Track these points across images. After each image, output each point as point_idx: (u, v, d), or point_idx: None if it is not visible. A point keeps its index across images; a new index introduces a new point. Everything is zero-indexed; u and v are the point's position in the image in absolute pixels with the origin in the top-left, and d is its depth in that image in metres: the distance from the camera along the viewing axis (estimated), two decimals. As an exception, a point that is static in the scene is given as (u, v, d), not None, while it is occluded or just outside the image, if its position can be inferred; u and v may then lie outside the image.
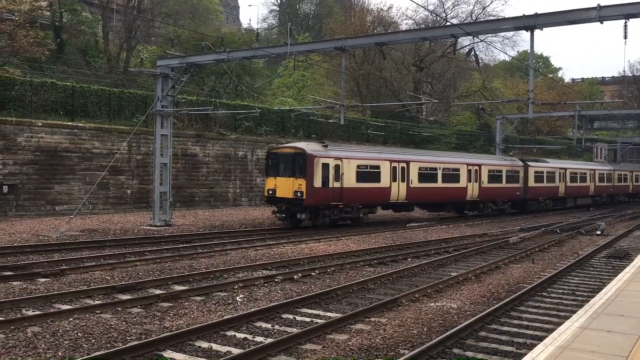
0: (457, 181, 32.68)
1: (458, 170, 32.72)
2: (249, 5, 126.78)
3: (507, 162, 38.27)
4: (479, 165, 34.36)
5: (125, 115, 34.48)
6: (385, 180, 27.80)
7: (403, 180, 28.62)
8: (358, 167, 26.21)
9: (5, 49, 34.85)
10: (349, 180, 26.03)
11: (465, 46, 47.77)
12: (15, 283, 13.10)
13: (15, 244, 19.07)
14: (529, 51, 21.33)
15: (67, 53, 45.94)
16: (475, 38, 22.71)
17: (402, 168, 28.57)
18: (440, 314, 11.18)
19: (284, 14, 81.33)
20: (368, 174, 26.80)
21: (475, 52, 22.79)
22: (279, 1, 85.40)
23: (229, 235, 23.11)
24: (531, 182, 38.32)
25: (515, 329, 10.20)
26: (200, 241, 20.98)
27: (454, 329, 9.58)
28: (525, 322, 10.69)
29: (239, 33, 60.91)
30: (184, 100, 35.09)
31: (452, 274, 15.42)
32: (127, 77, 43.80)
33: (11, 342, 8.65)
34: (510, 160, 39.15)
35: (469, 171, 33.42)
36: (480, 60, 28.23)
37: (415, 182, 29.41)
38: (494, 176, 35.74)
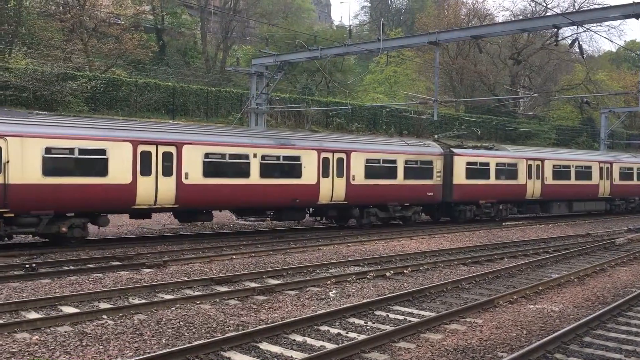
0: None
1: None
2: (341, 2, 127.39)
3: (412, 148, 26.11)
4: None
5: (222, 113, 35.70)
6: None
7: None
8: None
9: (113, 51, 37.01)
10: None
11: (566, 37, 45.58)
12: (122, 273, 13.91)
13: (122, 236, 20.25)
14: (637, 40, 19.95)
15: (168, 54, 48.20)
16: (579, 28, 21.57)
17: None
18: (540, 316, 10.71)
19: (376, 10, 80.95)
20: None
21: (579, 43, 21.63)
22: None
23: (321, 231, 23.34)
24: (460, 178, 26.46)
25: (624, 336, 9.58)
26: (293, 236, 21.34)
27: (556, 333, 9.13)
28: (634, 329, 10.02)
29: (330, 30, 61.33)
30: (277, 98, 35.83)
31: (553, 275, 14.73)
32: (223, 76, 45.32)
33: (120, 329, 9.17)
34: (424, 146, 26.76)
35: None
36: (584, 51, 26.76)
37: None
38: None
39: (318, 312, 10.29)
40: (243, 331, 8.96)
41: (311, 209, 23.09)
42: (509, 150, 29.71)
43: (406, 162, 24.25)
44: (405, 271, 14.99)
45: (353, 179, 22.34)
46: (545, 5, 50.95)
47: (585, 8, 51.32)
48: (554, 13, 26.56)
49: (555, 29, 21.42)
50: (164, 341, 8.62)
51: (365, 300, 11.31)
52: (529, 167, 29.28)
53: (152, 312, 10.21)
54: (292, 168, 20.92)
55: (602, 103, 52.46)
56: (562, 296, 12.53)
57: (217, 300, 11.29)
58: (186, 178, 18.19)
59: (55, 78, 28.99)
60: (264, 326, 9.26)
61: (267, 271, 14.19)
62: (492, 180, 27.49)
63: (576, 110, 59.75)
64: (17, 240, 18.35)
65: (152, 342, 8.55)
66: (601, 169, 33.25)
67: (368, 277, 14.09)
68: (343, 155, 22.19)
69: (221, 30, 50.40)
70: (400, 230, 23.87)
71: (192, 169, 18.44)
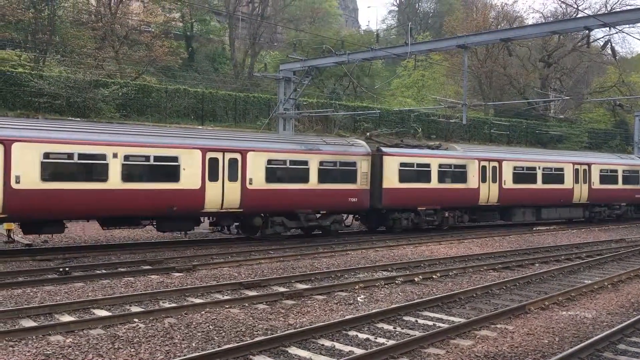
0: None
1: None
2: (368, 7, 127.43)
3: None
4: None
5: (250, 118, 35.96)
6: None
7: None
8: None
9: (144, 58, 37.62)
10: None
11: (598, 38, 44.82)
12: (153, 276, 14.09)
13: (152, 240, 20.52)
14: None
15: (197, 61, 48.80)
16: (611, 29, 21.18)
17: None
18: (573, 323, 10.52)
19: (403, 14, 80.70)
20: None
21: (611, 45, 21.24)
22: (398, 1, 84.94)
23: (349, 236, 23.30)
24: (392, 181, 23.12)
25: (660, 344, 9.35)
26: (321, 241, 21.35)
27: (590, 340, 8.96)
28: (671, 337, 9.77)
29: (358, 35, 61.34)
30: (304, 103, 35.96)
31: (586, 281, 14.46)
32: (251, 81, 45.69)
33: (150, 332, 9.29)
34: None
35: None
36: (616, 53, 26.26)
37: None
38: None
39: (346, 317, 10.28)
40: (272, 335, 9.00)
41: (213, 218, 20.59)
42: (458, 150, 26.33)
43: (321, 163, 21.11)
44: (434, 276, 14.88)
45: (250, 183, 19.47)
46: (576, 6, 50.19)
47: (618, 9, 50.41)
48: (585, 14, 26.16)
49: (587, 31, 21.08)
50: (193, 345, 8.71)
51: (393, 306, 11.26)
52: (483, 168, 25.84)
53: (182, 316, 10.32)
54: (166, 170, 18.09)
55: (635, 106, 51.34)
56: (595, 302, 12.29)
57: (246, 304, 11.35)
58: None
59: (88, 85, 29.58)
60: (293, 331, 9.28)
61: (296, 276, 14.23)
62: (434, 183, 24.16)
63: (609, 113, 58.63)
64: (50, 245, 18.74)
65: (182, 346, 8.64)
66: (576, 171, 29.68)
67: (396, 282, 14.02)
68: (237, 156, 19.28)
69: (249, 36, 50.83)
70: (429, 235, 23.70)
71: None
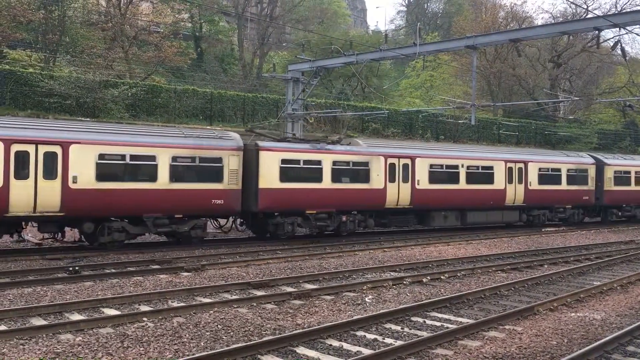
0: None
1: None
2: (377, 8, 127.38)
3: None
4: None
5: (258, 118, 36.00)
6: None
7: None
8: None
9: (153, 59, 37.77)
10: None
11: (608, 39, 44.54)
12: (162, 276, 14.16)
13: (161, 240, 20.60)
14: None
15: (206, 61, 48.92)
16: (621, 30, 21.07)
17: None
18: (582, 325, 10.48)
19: (412, 14, 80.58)
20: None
21: (621, 45, 21.13)
22: (406, 1, 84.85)
23: (357, 236, 23.30)
24: (270, 181, 20.16)
25: (670, 346, 9.30)
26: (329, 241, 21.37)
27: (599, 342, 8.93)
28: (681, 339, 9.72)
29: (366, 35, 61.32)
30: (313, 103, 35.97)
31: (595, 283, 14.40)
32: (260, 82, 45.76)
33: (159, 331, 9.34)
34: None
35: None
36: (626, 54, 26.11)
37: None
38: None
39: (354, 318, 10.29)
40: (280, 335, 9.03)
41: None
42: (361, 145, 23.12)
43: (174, 159, 18.24)
44: (442, 277, 14.86)
45: (75, 182, 16.51)
46: (585, 7, 49.93)
47: (628, 9, 50.09)
48: (595, 15, 26.01)
49: (597, 31, 20.96)
50: (202, 344, 8.75)
51: (401, 306, 11.26)
52: (391, 166, 22.80)
53: (190, 315, 10.37)
54: None
55: (646, 106, 51.01)
56: (604, 304, 12.24)
57: (254, 304, 11.39)
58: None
59: (97, 85, 29.72)
60: (301, 331, 9.31)
61: (304, 276, 14.26)
62: (327, 183, 21.18)
63: (618, 113, 58.23)
64: (60, 244, 18.85)
65: (191, 345, 8.69)
66: (510, 169, 26.71)
67: (404, 282, 14.02)
68: (56, 149, 16.40)
69: (258, 37, 50.92)
70: (438, 236, 23.66)
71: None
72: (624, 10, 47.27)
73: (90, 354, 8.14)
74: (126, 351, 8.31)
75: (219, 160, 19.15)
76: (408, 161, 23.44)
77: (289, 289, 12.88)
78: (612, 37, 49.04)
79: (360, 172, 22.19)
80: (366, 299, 12.19)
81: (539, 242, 22.81)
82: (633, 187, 32.13)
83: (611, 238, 24.87)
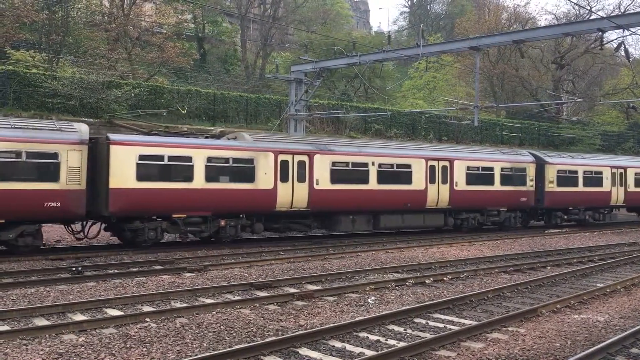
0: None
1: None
2: (380, 9, 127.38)
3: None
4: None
5: (261, 119, 36.04)
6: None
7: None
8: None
9: (156, 60, 37.83)
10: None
11: (612, 40, 44.50)
12: (164, 277, 14.17)
13: (164, 240, 20.62)
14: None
15: (209, 62, 48.99)
16: (624, 31, 21.04)
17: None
18: (585, 326, 10.45)
19: (415, 15, 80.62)
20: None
21: (625, 47, 21.10)
22: (409, 3, 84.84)
23: (359, 237, 23.29)
24: (125, 180, 17.64)
25: (674, 348, 9.27)
26: (332, 242, 21.36)
27: (602, 344, 8.91)
28: (685, 342, 9.68)
29: (369, 36, 61.34)
30: (316, 104, 35.98)
31: (598, 284, 14.36)
32: (263, 83, 45.81)
33: (162, 332, 9.34)
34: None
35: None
36: (630, 55, 26.05)
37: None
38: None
39: (357, 319, 10.28)
40: (282, 336, 9.03)
41: None
42: (246, 139, 20.53)
43: None
44: (445, 278, 14.84)
45: None
46: (589, 8, 49.87)
47: (632, 11, 50.01)
48: (599, 16, 25.97)
49: (600, 33, 20.95)
50: (205, 345, 8.75)
51: (404, 308, 11.24)
52: (283, 164, 20.26)
53: (193, 316, 10.37)
54: None
55: (649, 108, 50.92)
56: (607, 306, 12.20)
57: (257, 305, 11.39)
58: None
59: (101, 86, 29.79)
60: (304, 332, 9.30)
61: (306, 277, 14.25)
62: (200, 183, 18.68)
63: (622, 115, 58.18)
64: (64, 244, 18.89)
65: (194, 346, 8.68)
66: (432, 168, 24.02)
67: (407, 284, 14.00)
68: None
69: (261, 37, 50.96)
70: (440, 237, 23.64)
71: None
72: (627, 12, 47.21)
73: (93, 355, 8.14)
74: (129, 352, 8.31)
75: (54, 155, 16.43)
76: (305, 158, 20.76)
77: (292, 290, 12.88)
78: (616, 39, 49.05)
79: (244, 170, 19.53)
80: (369, 300, 12.17)
81: (542, 244, 22.77)
82: (581, 188, 29.32)
83: (615, 240, 24.81)
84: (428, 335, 9.46)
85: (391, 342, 9.20)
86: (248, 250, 18.66)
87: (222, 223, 19.30)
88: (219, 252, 18.08)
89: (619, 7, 54.10)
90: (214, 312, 10.66)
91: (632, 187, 31.85)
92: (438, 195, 24.18)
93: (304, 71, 28.05)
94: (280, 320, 10.37)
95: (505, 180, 26.41)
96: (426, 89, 55.45)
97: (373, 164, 22.33)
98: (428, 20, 77.57)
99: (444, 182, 24.37)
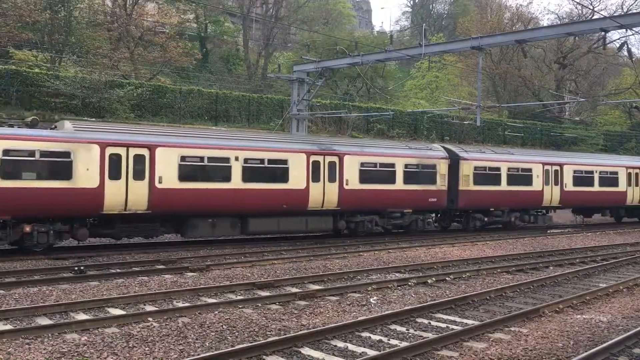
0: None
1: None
2: (382, 8, 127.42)
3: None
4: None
5: (263, 119, 36.03)
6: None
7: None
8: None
9: (158, 59, 37.86)
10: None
11: (614, 40, 44.41)
12: (167, 276, 14.18)
13: (166, 240, 20.65)
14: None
15: (211, 62, 48.99)
16: (627, 31, 21.00)
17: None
18: (587, 327, 10.44)
19: (417, 15, 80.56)
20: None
21: (628, 46, 21.05)
22: (411, 2, 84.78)
23: (362, 237, 23.26)
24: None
25: (677, 349, 9.25)
26: (334, 242, 21.35)
27: (605, 344, 8.89)
28: (688, 342, 9.66)
29: (371, 36, 61.31)
30: (318, 104, 35.96)
31: (601, 285, 14.34)
32: (265, 82, 45.80)
33: (165, 331, 9.35)
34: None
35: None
36: (633, 55, 26.00)
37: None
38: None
39: (359, 319, 10.27)
40: (285, 336, 9.03)
41: None
42: (65, 130, 17.33)
43: None
44: (447, 278, 14.83)
45: None
46: (592, 8, 49.79)
47: (634, 10, 49.90)
48: (601, 16, 25.93)
49: (603, 33, 20.91)
50: (207, 344, 8.75)
51: (406, 307, 11.24)
52: (114, 158, 17.11)
53: (195, 316, 10.38)
54: None
55: (652, 108, 50.83)
56: (610, 306, 12.18)
57: (259, 304, 11.39)
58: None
59: (103, 86, 29.80)
60: (306, 331, 9.29)
61: (308, 276, 14.25)
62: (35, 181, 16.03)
63: (624, 115, 58.07)
64: (66, 244, 18.92)
65: (196, 345, 8.69)
66: (315, 164, 21.07)
67: (409, 284, 14.00)
68: None
69: (263, 37, 50.97)
70: (442, 237, 23.62)
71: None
72: (630, 12, 47.10)
73: (95, 354, 8.15)
74: (131, 351, 8.32)
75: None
76: (144, 151, 17.66)
77: (294, 290, 12.88)
78: (619, 38, 48.86)
79: (57, 165, 16.39)
80: (371, 300, 12.17)
81: (545, 244, 22.74)
82: (505, 187, 26.16)
83: (617, 240, 24.77)
84: (430, 335, 9.46)
85: (393, 342, 9.19)
86: (250, 250, 18.67)
87: (27, 229, 16.22)
88: (221, 252, 18.10)
89: (622, 7, 53.99)
90: (217, 312, 10.67)
91: (569, 186, 28.67)
92: (324, 195, 21.11)
93: (306, 71, 28.06)
94: (283, 319, 10.37)
95: (409, 178, 23.33)
96: (428, 88, 55.41)
97: (237, 158, 19.25)
98: (430, 20, 77.52)
99: (332, 180, 21.31)
